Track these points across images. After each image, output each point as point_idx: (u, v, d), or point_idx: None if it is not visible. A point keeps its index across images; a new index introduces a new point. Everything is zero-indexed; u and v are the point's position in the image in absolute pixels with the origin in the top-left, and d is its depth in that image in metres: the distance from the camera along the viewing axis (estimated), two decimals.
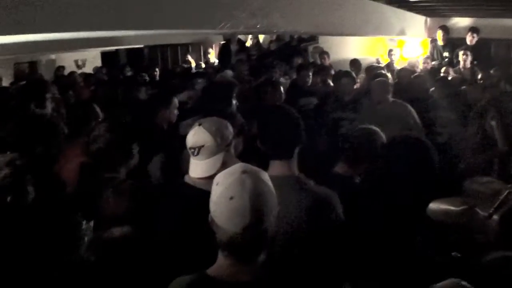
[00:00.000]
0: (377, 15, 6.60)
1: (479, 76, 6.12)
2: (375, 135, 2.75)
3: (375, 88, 4.59)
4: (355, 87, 5.48)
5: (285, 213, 1.73)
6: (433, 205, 1.87)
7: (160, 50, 12.13)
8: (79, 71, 8.89)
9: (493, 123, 3.80)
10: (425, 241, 1.98)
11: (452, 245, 1.81)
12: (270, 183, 1.47)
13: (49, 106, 4.01)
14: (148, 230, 2.07)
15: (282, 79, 6.25)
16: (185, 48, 11.48)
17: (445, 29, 7.75)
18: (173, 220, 2.03)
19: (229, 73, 6.47)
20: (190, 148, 2.08)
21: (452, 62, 7.44)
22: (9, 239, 1.83)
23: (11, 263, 1.78)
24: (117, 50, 10.98)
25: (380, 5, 6.63)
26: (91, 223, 1.95)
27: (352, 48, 9.03)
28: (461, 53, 7.11)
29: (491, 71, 6.38)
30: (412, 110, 4.38)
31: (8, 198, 1.97)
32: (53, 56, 9.68)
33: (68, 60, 9.79)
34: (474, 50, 7.24)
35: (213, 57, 10.14)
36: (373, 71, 6.29)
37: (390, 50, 8.47)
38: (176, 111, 3.80)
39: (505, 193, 1.69)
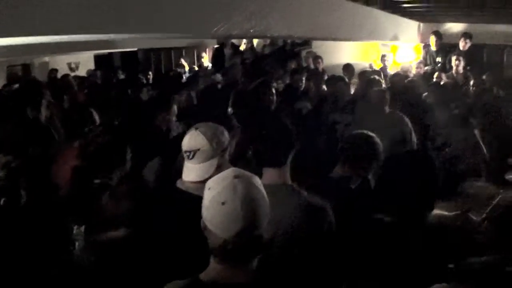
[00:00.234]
0: (371, 20, 6.64)
1: (472, 82, 6.17)
2: (374, 138, 2.79)
3: (373, 97, 4.54)
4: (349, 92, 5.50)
5: (277, 222, 1.71)
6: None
7: (154, 53, 12.11)
8: (73, 74, 8.85)
9: (476, 131, 3.84)
10: (421, 243, 1.99)
11: (447, 247, 1.83)
12: (262, 188, 1.45)
13: (44, 109, 3.99)
14: (142, 234, 2.07)
15: (274, 84, 6.26)
16: (179, 51, 11.47)
17: (438, 34, 7.78)
18: (166, 226, 2.01)
19: (218, 77, 6.47)
20: (185, 152, 2.08)
21: (445, 67, 7.46)
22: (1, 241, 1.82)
23: (2, 264, 1.77)
24: (110, 53, 10.95)
25: (373, 10, 6.68)
26: (82, 228, 1.94)
27: (345, 53, 9.03)
28: (454, 58, 7.13)
29: (484, 77, 6.44)
30: (409, 122, 4.36)
31: (2, 201, 1.97)
32: (46, 59, 9.63)
33: (61, 63, 9.74)
34: (467, 55, 7.26)
35: (206, 61, 10.13)
36: (366, 76, 6.28)
37: (383, 55, 8.48)
38: (174, 118, 3.81)
39: (497, 199, 1.72)
